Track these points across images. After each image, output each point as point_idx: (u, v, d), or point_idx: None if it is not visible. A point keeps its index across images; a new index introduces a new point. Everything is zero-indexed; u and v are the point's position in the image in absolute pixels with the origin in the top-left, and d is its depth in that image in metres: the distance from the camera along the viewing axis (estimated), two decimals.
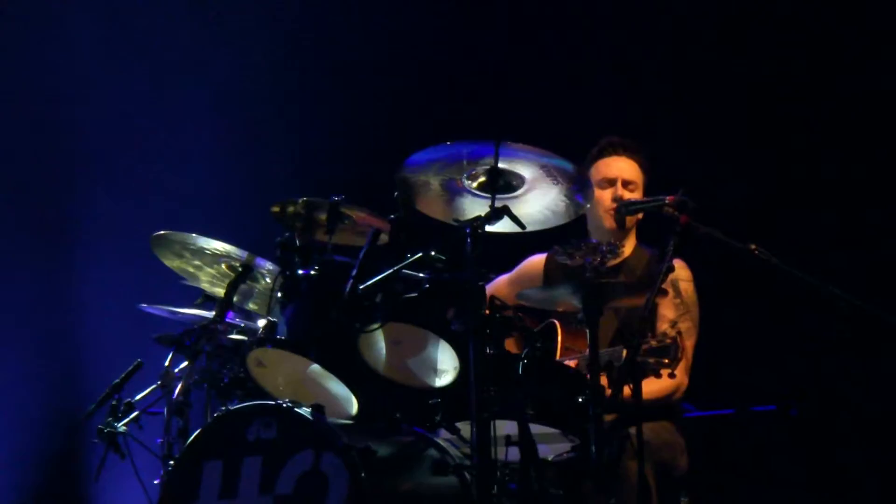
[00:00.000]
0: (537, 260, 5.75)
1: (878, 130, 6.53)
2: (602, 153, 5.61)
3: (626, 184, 5.55)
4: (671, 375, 4.59)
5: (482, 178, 4.72)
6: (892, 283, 6.23)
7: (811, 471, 6.39)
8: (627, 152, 5.60)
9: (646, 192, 5.56)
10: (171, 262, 5.56)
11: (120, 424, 5.36)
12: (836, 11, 6.63)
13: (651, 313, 4.76)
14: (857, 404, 6.41)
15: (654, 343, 4.56)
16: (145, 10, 7.84)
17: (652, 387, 4.97)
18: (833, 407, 6.43)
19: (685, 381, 5.31)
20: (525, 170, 4.71)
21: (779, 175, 6.68)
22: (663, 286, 4.70)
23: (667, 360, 4.54)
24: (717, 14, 6.90)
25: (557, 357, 5.10)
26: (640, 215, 5.39)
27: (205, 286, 5.59)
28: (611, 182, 5.55)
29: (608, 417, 4.73)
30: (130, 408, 5.40)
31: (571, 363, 4.99)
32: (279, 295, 4.99)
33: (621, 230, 5.48)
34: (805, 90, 6.67)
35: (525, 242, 5.16)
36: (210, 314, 5.37)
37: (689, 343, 5.24)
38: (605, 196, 5.52)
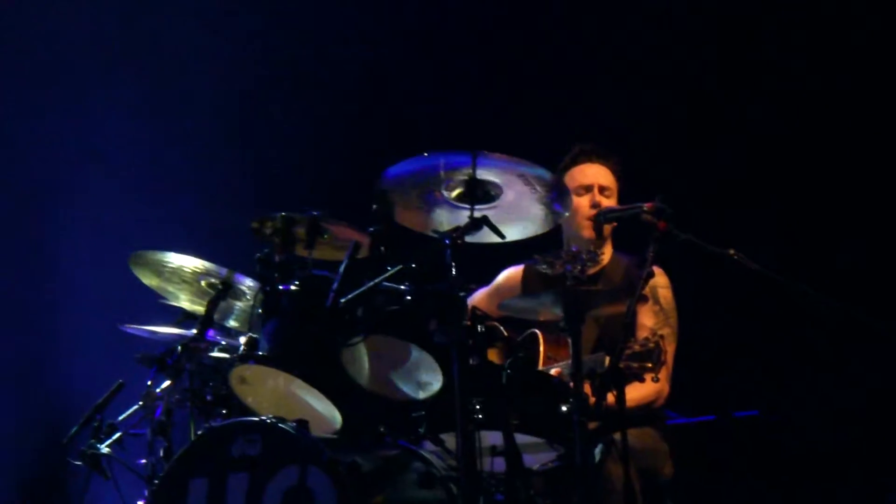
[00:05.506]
0: (514, 271, 5.75)
1: None
2: (576, 160, 5.61)
3: (602, 190, 5.55)
4: (655, 379, 4.62)
5: (460, 189, 4.72)
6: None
7: (793, 475, 6.40)
8: (601, 159, 5.60)
9: (619, 199, 5.57)
10: (151, 281, 5.54)
11: (103, 446, 5.34)
12: None
13: (632, 320, 4.77)
14: (839, 407, 6.43)
15: (637, 347, 4.58)
16: (128, 23, 7.83)
17: (635, 393, 4.96)
18: (813, 411, 6.45)
19: (666, 387, 5.31)
20: (502, 179, 4.71)
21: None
22: (643, 292, 4.72)
23: (650, 364, 4.57)
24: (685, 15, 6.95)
25: (540, 366, 5.11)
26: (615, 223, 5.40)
27: (185, 304, 5.57)
28: (587, 189, 5.54)
29: (592, 425, 4.73)
30: (113, 429, 5.38)
31: (554, 372, 4.99)
32: (260, 311, 4.97)
33: (599, 238, 5.48)
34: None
35: (504, 253, 5.16)
36: (191, 333, 5.35)
37: (669, 349, 5.25)
38: (582, 203, 5.51)
